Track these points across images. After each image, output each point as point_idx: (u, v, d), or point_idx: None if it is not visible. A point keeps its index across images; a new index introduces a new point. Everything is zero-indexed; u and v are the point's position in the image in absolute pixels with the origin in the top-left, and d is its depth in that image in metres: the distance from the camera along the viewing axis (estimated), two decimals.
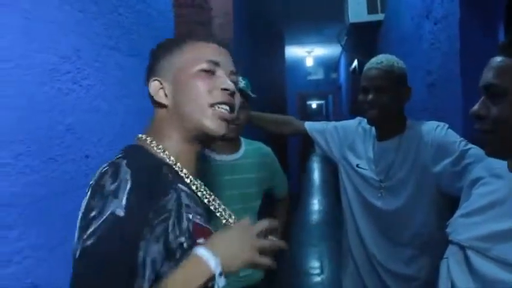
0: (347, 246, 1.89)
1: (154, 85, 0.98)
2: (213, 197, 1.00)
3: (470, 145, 1.49)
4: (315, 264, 5.14)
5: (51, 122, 1.10)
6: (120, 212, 0.75)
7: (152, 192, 0.80)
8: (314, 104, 20.14)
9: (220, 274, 0.78)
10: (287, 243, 0.93)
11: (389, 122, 1.71)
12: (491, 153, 1.00)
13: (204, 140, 0.98)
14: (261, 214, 2.13)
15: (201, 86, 0.94)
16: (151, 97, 0.99)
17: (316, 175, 12.72)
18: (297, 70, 9.96)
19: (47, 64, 1.08)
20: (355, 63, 5.23)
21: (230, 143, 1.87)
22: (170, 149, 0.95)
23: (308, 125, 2.07)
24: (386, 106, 1.66)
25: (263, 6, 4.89)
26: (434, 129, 1.61)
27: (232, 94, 0.97)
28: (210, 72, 0.95)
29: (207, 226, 0.91)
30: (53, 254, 1.06)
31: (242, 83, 1.82)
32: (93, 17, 1.27)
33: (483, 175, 1.12)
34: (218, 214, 0.98)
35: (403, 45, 2.80)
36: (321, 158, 13.85)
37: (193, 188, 0.95)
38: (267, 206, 2.35)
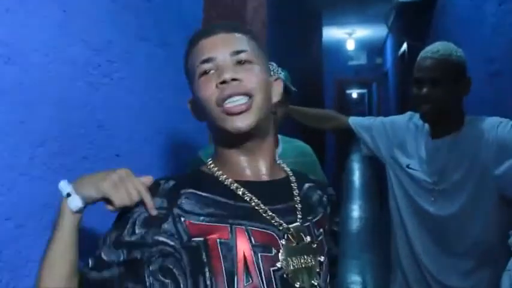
0: (395, 256, 1.95)
1: (189, 107, 1.08)
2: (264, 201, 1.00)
3: None
4: (356, 279, 5.18)
5: (83, 119, 1.22)
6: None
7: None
8: (355, 94, 20.02)
9: (68, 194, 0.91)
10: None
11: (445, 118, 1.74)
12: None
13: (234, 140, 1.00)
14: None
15: (206, 92, 0.96)
16: None
17: (356, 177, 12.68)
18: (335, 54, 9.96)
19: (79, 57, 1.19)
20: (405, 47, 5.23)
21: None
22: (217, 159, 1.04)
23: (352, 120, 2.12)
24: (442, 100, 1.69)
25: None
26: (497, 126, 1.64)
27: (234, 80, 0.95)
28: (210, 72, 0.97)
29: (216, 224, 0.94)
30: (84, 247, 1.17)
31: (281, 75, 1.89)
32: (124, 7, 1.38)
33: None
34: (268, 216, 0.98)
35: (461, 29, 2.82)
36: (361, 158, 13.76)
37: (234, 188, 0.99)
38: None
